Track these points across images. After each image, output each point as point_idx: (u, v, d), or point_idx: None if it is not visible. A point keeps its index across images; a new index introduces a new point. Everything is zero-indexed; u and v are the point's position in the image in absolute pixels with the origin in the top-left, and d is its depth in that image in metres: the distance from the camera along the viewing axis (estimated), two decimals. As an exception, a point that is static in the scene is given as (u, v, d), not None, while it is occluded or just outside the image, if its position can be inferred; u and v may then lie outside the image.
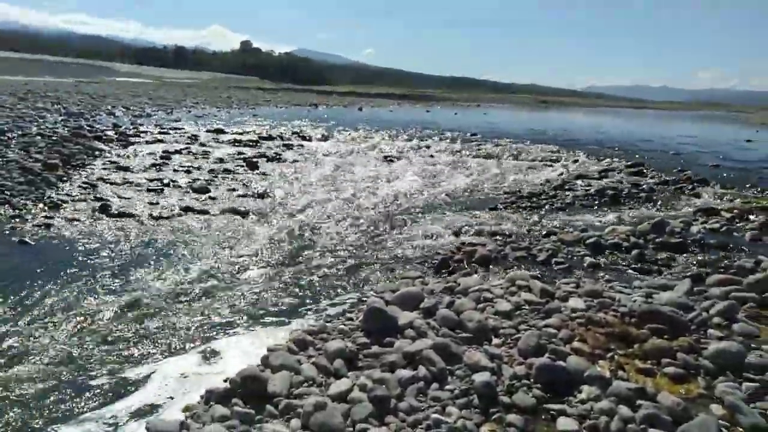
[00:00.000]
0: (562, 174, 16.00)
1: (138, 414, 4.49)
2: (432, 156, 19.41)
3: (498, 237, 9.03)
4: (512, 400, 4.01)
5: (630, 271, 7.20)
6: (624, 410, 3.70)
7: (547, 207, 11.72)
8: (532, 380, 4.26)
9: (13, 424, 4.28)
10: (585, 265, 7.42)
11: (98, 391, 4.77)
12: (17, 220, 9.31)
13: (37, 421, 4.33)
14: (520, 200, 12.35)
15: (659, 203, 12.13)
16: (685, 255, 7.84)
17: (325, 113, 37.06)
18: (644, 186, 13.47)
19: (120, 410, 4.54)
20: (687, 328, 4.98)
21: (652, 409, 3.66)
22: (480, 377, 4.16)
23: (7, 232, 8.70)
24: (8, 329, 5.66)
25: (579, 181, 14.40)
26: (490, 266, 7.54)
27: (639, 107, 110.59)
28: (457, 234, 9.64)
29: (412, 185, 14.52)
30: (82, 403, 4.59)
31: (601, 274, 6.99)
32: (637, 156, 18.76)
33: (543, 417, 3.89)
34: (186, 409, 4.37)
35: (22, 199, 10.33)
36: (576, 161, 18.15)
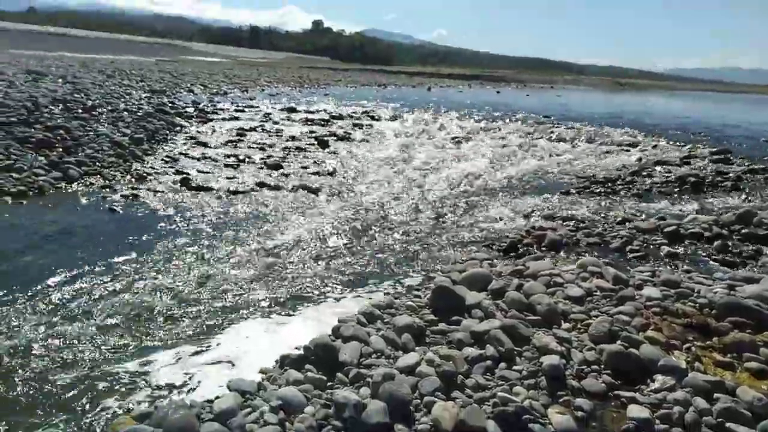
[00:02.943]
0: (640, 159, 15.30)
1: (217, 369, 4.81)
2: (502, 138, 19.06)
3: (570, 222, 8.83)
4: (581, 385, 3.99)
5: (711, 262, 6.87)
6: (700, 402, 3.60)
7: (622, 193, 11.30)
8: (602, 366, 4.21)
9: (98, 371, 4.69)
10: (662, 254, 7.14)
11: (178, 345, 5.14)
12: (107, 190, 10.01)
13: (121, 365, 4.73)
14: (594, 185, 11.96)
15: (746, 192, 11.39)
16: (773, 248, 7.37)
17: (394, 93, 37.06)
18: (730, 174, 12.67)
19: (199, 364, 4.87)
20: (773, 324, 4.73)
21: (730, 403, 3.54)
22: (549, 360, 4.16)
23: (99, 200, 9.38)
24: (98, 283, 6.16)
25: (658, 168, 13.74)
26: (561, 252, 7.40)
27: (727, 91, 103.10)
28: (527, 217, 9.50)
29: (481, 167, 14.36)
30: (163, 357, 4.96)
31: (680, 264, 6.71)
32: (723, 142, 17.64)
33: (612, 403, 3.85)
34: (262, 371, 4.63)
35: (111, 170, 11.09)
36: (655, 146, 17.29)
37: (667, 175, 12.77)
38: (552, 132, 20.04)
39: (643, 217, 9.01)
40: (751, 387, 3.81)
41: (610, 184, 12.01)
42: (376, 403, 3.80)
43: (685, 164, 14.18)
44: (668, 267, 6.57)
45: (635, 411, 3.62)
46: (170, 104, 19.76)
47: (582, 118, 24.31)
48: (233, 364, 4.99)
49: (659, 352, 4.21)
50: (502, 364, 4.32)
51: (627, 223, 8.55)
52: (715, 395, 3.68)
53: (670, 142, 17.80)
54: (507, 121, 22.92)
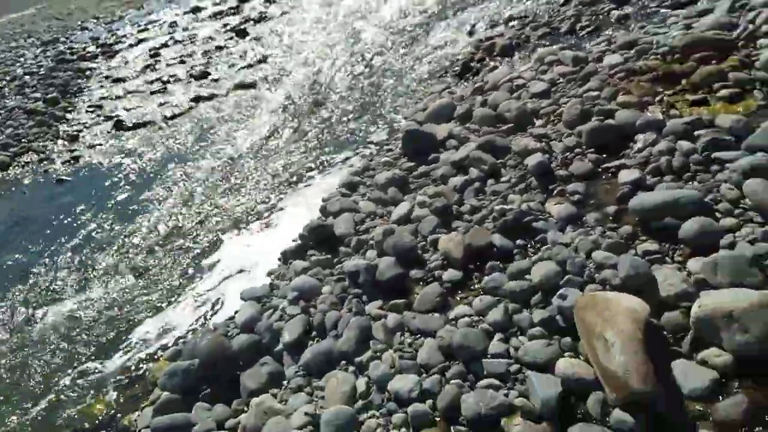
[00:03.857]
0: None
1: (231, 286, 4.86)
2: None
3: (515, 22, 8.44)
4: (569, 171, 4.02)
5: (663, 10, 6.64)
6: (684, 144, 3.64)
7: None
8: (584, 147, 4.22)
9: (119, 297, 4.73)
10: (613, 20, 6.90)
11: (186, 275, 5.14)
12: (46, 162, 9.43)
13: (138, 316, 4.77)
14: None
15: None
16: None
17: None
18: None
19: (210, 289, 4.91)
20: (734, 47, 4.66)
21: (711, 134, 3.57)
22: (532, 159, 4.15)
23: (42, 177, 8.87)
24: (96, 228, 6.03)
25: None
26: (515, 54, 7.15)
27: None
28: (471, 34, 9.08)
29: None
30: (175, 291, 4.98)
31: (632, 24, 6.51)
32: None
33: (603, 177, 3.91)
34: (269, 273, 4.66)
35: (40, 142, 10.36)
36: None
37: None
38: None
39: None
40: (727, 114, 3.83)
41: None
42: (385, 259, 3.85)
43: None
44: (622, 30, 6.37)
45: (625, 175, 3.68)
46: (69, 50, 18.02)
47: None
48: (244, 274, 5.02)
49: (634, 113, 4.19)
50: (490, 181, 4.33)
51: (571, 2, 8.18)
52: (696, 133, 3.71)
53: None
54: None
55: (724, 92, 4.12)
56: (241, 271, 5.08)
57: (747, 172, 3.19)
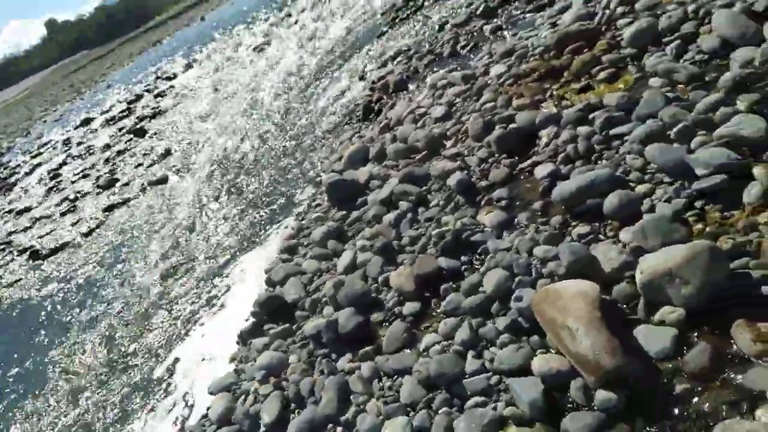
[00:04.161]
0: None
1: (191, 381, 4.63)
2: (297, 21, 18.28)
3: (400, 57, 8.84)
4: (489, 180, 4.20)
5: (527, 15, 7.19)
6: (582, 130, 3.91)
7: (426, 3, 11.33)
8: (496, 155, 4.43)
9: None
10: (487, 34, 7.38)
11: (133, 383, 4.87)
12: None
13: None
14: (399, 12, 11.90)
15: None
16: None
17: (173, 42, 34.02)
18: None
19: (174, 391, 4.67)
20: (599, 33, 5.10)
21: (604, 114, 3.86)
22: (453, 179, 4.31)
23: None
24: (36, 362, 5.59)
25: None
26: (409, 86, 7.47)
27: None
28: (362, 78, 9.41)
29: (297, 57, 13.83)
30: (126, 399, 4.70)
31: (506, 33, 6.99)
32: None
33: (522, 177, 4.11)
34: (232, 358, 4.50)
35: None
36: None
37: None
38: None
39: (456, 11, 9.16)
40: (611, 93, 4.16)
41: (411, 3, 11.95)
42: (342, 312, 3.83)
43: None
44: (498, 41, 6.83)
45: (541, 170, 3.89)
46: (-40, 195, 17.04)
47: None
48: (205, 367, 4.81)
49: (532, 113, 4.47)
50: (421, 209, 4.44)
51: (446, 26, 8.70)
52: (591, 116, 4.00)
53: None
54: (298, 6, 21.89)
55: (602, 75, 4.48)
56: (201, 364, 4.87)
57: (644, 139, 3.46)
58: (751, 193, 2.77)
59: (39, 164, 17.25)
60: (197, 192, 8.79)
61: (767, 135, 2.96)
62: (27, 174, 16.63)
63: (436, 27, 9.03)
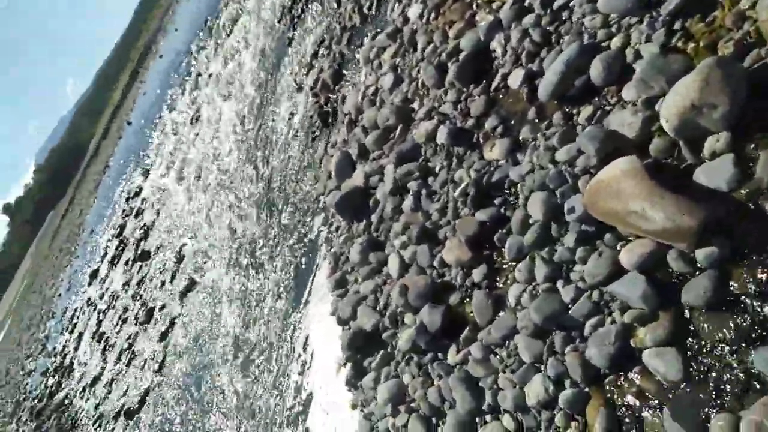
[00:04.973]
0: None
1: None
2: (210, 75, 17.98)
3: (321, 51, 8.66)
4: (473, 116, 4.10)
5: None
6: (527, 19, 3.77)
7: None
8: (465, 90, 4.31)
9: None
10: None
11: None
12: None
13: None
14: (293, 9, 11.63)
15: None
16: None
17: (120, 159, 33.96)
18: None
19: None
20: None
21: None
22: (440, 135, 4.21)
23: None
24: None
25: None
26: (345, 73, 7.32)
27: None
28: (300, 89, 9.23)
29: (231, 106, 13.61)
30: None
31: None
32: None
33: (501, 96, 3.99)
34: (353, 405, 4.51)
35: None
36: None
37: None
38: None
39: None
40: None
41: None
42: (421, 312, 3.79)
43: None
44: None
45: (514, 79, 3.78)
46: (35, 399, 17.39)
47: None
48: (332, 418, 4.87)
49: (473, 32, 4.33)
50: (430, 179, 4.37)
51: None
52: (525, 3, 3.87)
53: None
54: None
55: None
56: (327, 420, 4.92)
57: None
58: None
59: (80, 335, 17.52)
60: (228, 281, 8.80)
61: None
62: (75, 349, 16.91)
63: (334, 3, 8.79)
